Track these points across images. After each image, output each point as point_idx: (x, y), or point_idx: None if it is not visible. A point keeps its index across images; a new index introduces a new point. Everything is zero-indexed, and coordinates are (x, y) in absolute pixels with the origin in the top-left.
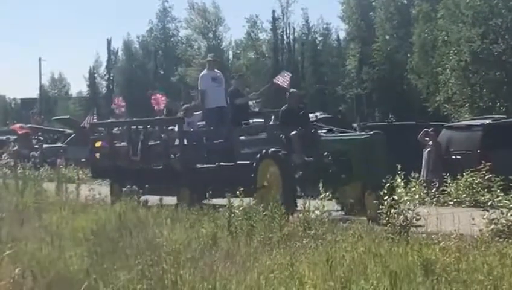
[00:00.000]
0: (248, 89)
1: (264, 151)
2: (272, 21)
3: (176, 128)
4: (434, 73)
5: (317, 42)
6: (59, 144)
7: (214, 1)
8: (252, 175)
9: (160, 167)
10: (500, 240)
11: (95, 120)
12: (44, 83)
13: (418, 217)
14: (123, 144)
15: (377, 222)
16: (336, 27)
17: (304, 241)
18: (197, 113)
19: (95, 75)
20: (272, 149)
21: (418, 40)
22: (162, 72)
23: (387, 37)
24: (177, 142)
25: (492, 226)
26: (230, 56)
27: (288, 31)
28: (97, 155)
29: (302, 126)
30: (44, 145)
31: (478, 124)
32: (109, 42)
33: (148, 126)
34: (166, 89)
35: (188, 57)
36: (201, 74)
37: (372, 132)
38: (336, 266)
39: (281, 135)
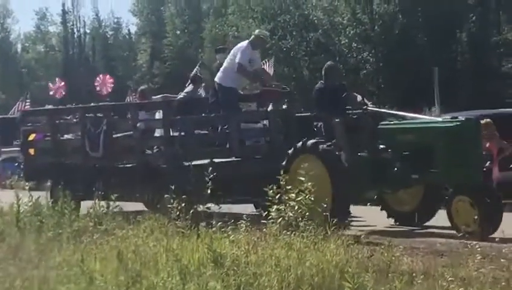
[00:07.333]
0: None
1: (300, 144)
2: (62, 14)
3: (159, 116)
4: None
5: (108, 36)
6: None
7: None
8: (282, 175)
9: (132, 165)
10: (288, 233)
11: (27, 107)
12: None
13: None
14: (67, 136)
15: (482, 237)
16: (127, 21)
17: (95, 237)
18: (156, 97)
19: None
20: (313, 141)
21: (209, 35)
22: None
23: (178, 32)
24: (157, 133)
25: (280, 220)
26: (19, 49)
27: (78, 25)
28: (31, 151)
29: (347, 110)
30: None
31: None
32: None
33: (113, 114)
34: None
35: None
36: (244, 47)
37: (463, 118)
38: (126, 261)
39: (318, 123)
